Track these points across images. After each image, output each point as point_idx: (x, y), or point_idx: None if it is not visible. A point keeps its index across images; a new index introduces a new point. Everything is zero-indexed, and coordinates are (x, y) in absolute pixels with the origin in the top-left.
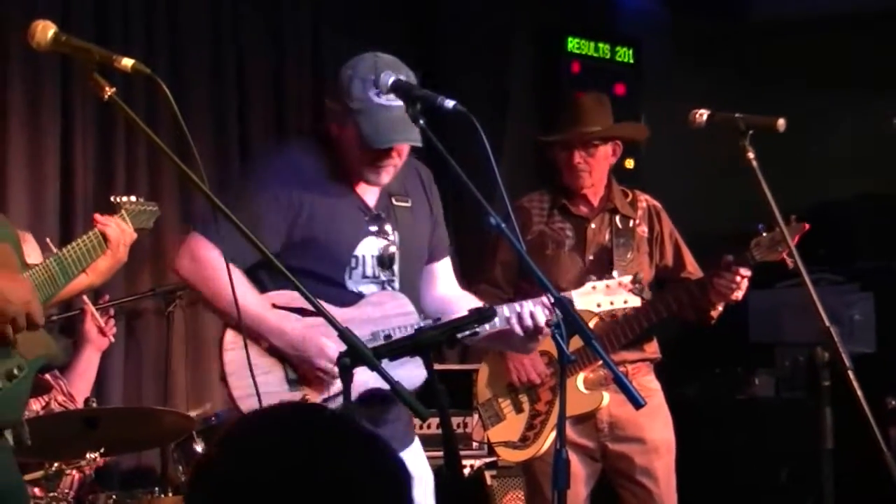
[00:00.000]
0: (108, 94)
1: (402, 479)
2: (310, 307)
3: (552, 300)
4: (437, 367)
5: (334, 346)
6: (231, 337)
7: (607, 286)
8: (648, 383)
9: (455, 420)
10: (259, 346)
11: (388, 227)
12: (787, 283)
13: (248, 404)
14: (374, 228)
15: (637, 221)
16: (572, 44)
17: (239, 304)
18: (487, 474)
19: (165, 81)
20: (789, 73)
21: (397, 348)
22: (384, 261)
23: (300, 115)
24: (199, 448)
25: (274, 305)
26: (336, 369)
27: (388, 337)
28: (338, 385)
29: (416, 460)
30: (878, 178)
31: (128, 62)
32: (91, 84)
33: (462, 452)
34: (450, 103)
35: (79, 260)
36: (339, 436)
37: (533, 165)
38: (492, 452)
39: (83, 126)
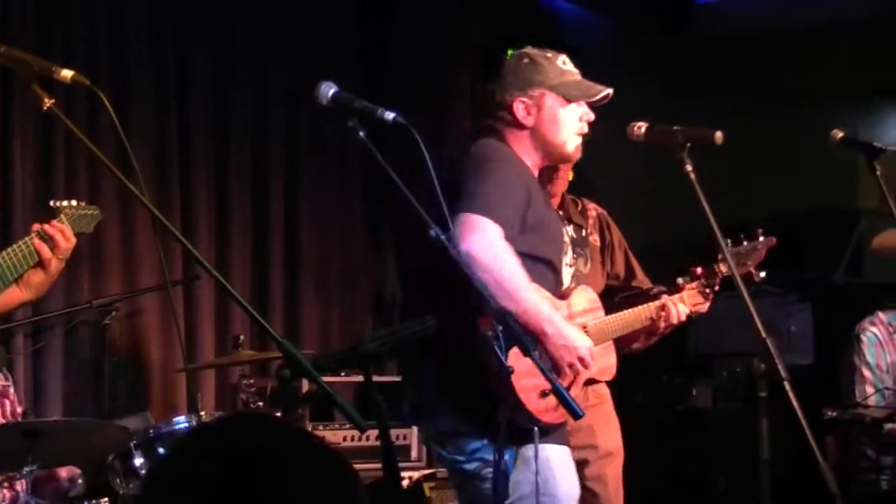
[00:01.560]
0: (48, 105)
1: (352, 482)
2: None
3: (491, 311)
4: (376, 378)
5: (591, 341)
6: None
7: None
8: (600, 388)
9: (394, 432)
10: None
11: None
12: (725, 294)
13: (528, 398)
14: (561, 220)
15: (589, 231)
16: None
17: (525, 288)
18: (426, 486)
19: (105, 91)
20: (732, 85)
21: (339, 360)
22: (573, 252)
23: (243, 124)
24: (137, 461)
25: None
26: (588, 359)
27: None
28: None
29: None
30: (818, 190)
31: (67, 73)
32: (31, 95)
33: (401, 464)
34: (390, 115)
35: (15, 266)
36: (287, 445)
37: None
38: (431, 464)
39: (22, 133)
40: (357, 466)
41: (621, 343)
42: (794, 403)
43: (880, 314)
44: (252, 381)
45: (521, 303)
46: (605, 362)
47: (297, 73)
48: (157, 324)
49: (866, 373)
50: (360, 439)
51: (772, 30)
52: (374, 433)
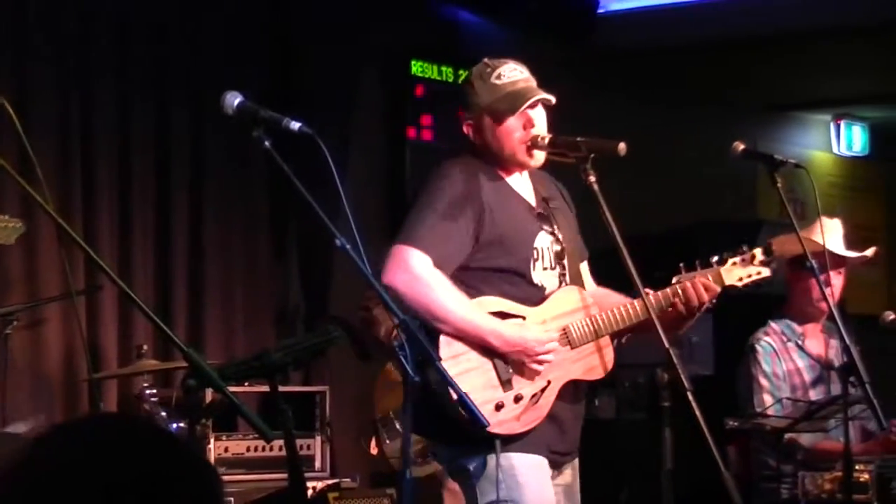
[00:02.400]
0: None
1: (212, 482)
2: (509, 311)
3: (397, 322)
4: (280, 388)
5: (547, 336)
6: (445, 352)
7: (742, 260)
8: None
9: (299, 442)
10: (473, 351)
11: (552, 225)
12: None
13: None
14: (542, 224)
15: None
16: (416, 67)
17: (456, 310)
18: (331, 496)
19: (8, 98)
20: (634, 97)
21: (244, 370)
22: (559, 254)
23: (147, 132)
24: None
25: None
26: (551, 356)
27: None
28: (547, 374)
29: (574, 479)
30: (719, 201)
31: None
32: None
33: (305, 474)
34: (295, 125)
35: None
36: (140, 442)
37: (378, 186)
38: (335, 474)
39: None
40: (262, 477)
41: (642, 331)
42: (697, 413)
43: (772, 324)
44: (156, 391)
45: (455, 323)
46: (592, 362)
47: (202, 82)
48: (59, 333)
49: (763, 381)
50: (264, 449)
51: (673, 44)
52: (278, 443)
